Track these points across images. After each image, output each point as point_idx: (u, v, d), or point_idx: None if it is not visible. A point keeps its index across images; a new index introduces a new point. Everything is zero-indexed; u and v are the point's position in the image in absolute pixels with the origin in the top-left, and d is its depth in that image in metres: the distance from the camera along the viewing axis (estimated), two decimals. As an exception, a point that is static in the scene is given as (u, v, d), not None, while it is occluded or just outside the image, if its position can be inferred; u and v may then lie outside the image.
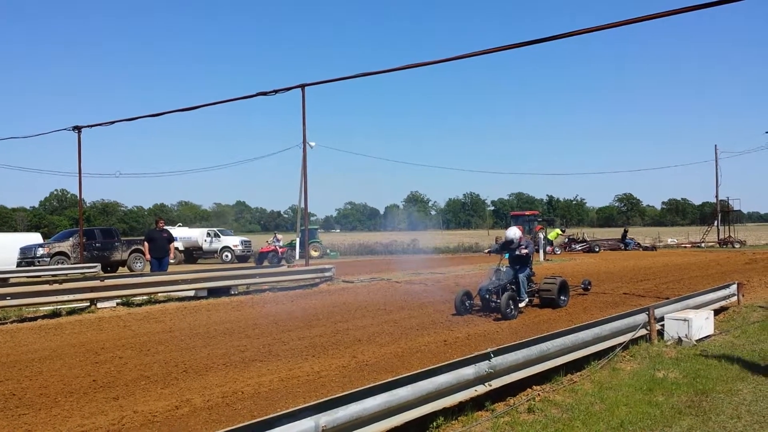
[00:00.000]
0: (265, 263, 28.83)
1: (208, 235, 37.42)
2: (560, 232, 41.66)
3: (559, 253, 36.70)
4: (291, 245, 39.49)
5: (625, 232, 43.16)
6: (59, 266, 24.07)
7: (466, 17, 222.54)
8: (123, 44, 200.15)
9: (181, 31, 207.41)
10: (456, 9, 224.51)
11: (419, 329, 10.06)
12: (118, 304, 13.63)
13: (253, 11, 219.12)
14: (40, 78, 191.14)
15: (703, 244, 44.11)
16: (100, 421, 5.53)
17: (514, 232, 12.13)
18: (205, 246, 36.87)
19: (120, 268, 27.78)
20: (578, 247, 38.89)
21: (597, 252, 37.61)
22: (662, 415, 5.46)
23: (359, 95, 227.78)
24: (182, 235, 35.88)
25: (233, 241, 37.64)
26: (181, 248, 34.67)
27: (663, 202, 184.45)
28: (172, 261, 17.82)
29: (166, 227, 18.01)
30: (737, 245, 40.67)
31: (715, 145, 48.61)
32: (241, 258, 36.34)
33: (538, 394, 6.13)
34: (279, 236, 33.45)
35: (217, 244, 36.91)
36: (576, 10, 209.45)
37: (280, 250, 31.70)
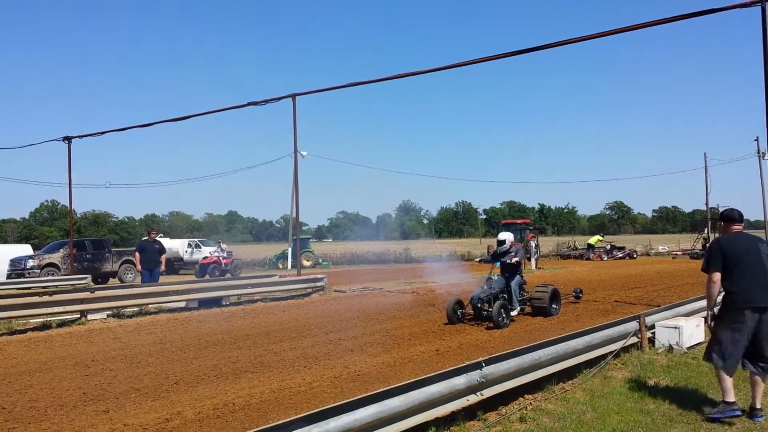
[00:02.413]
0: (207, 276, 26.80)
1: (189, 245, 36.99)
2: (600, 238, 41.76)
3: (605, 259, 37.16)
4: (283, 255, 39.41)
5: (706, 240, 43.05)
6: (49, 278, 23.95)
7: (457, 26, 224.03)
8: (113, 55, 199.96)
9: (171, 40, 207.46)
10: (447, 18, 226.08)
11: (411, 339, 10.06)
12: (108, 315, 13.56)
13: (245, 20, 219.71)
14: (30, 88, 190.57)
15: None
16: (90, 434, 5.50)
17: (505, 235, 12.30)
18: (186, 257, 36.49)
19: (111, 279, 27.63)
20: (619, 254, 39.23)
21: (635, 258, 38.52)
22: (654, 423, 5.48)
23: (351, 104, 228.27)
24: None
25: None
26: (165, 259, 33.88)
27: (653, 210, 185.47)
28: (163, 272, 17.71)
29: (157, 239, 17.91)
30: None
31: (705, 153, 48.93)
32: (239, 269, 35.99)
33: (530, 403, 6.14)
34: (224, 246, 31.30)
35: (198, 255, 36.48)
36: (566, 19, 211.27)
37: (223, 261, 28.92)
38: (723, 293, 5.81)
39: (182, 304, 15.10)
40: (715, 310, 5.85)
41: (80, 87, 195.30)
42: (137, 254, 17.09)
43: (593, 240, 40.47)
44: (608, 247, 40.20)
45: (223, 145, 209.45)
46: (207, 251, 36.07)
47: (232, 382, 7.30)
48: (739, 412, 5.51)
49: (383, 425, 4.65)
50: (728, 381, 5.55)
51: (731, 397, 5.54)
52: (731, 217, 5.98)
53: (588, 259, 37.86)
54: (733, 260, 5.67)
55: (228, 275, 27.41)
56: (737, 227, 5.92)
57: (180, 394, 6.79)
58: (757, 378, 5.60)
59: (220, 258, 29.05)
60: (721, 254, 5.74)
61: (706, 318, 6.10)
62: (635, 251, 40.28)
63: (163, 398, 6.66)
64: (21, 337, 11.40)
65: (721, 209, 49.82)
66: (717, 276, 5.72)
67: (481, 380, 5.56)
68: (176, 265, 36.54)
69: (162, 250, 16.96)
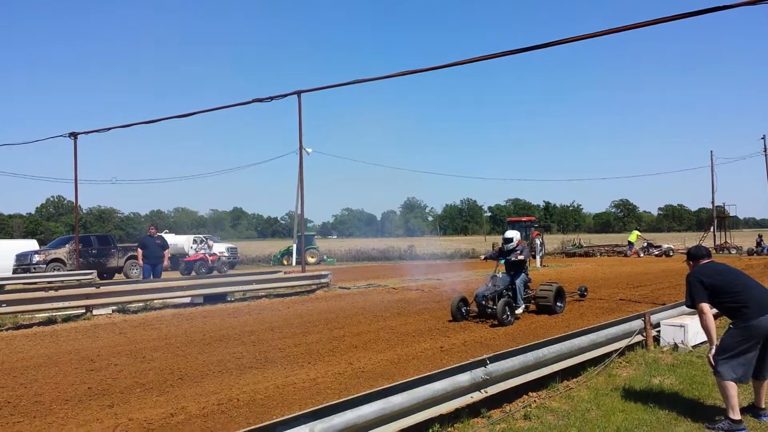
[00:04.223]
0: (193, 273, 26.36)
1: (194, 241, 37.06)
2: (639, 234, 41.42)
3: (642, 256, 36.84)
4: (287, 252, 39.45)
5: (760, 237, 42.54)
6: (55, 273, 24.04)
7: (463, 23, 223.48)
8: (118, 51, 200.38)
9: (177, 37, 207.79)
10: (452, 16, 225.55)
11: (415, 336, 10.05)
12: (113, 310, 13.61)
13: (252, 18, 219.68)
14: (37, 83, 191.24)
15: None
16: (95, 428, 5.52)
17: (512, 233, 12.19)
18: (191, 253, 36.56)
19: (116, 274, 27.72)
20: (655, 251, 38.76)
21: (671, 256, 37.69)
22: (658, 422, 5.46)
23: (356, 102, 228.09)
24: (168, 241, 35.01)
25: (219, 248, 37.17)
26: (168, 255, 33.56)
27: (659, 208, 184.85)
28: (167, 267, 17.76)
29: (159, 234, 17.99)
30: (733, 251, 40.69)
31: (711, 151, 49.06)
32: (228, 265, 35.94)
33: (534, 401, 6.13)
34: (210, 242, 30.45)
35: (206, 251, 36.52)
36: (574, 16, 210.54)
37: (210, 258, 28.21)
38: (732, 315, 5.47)
39: (187, 300, 15.13)
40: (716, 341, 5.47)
41: (86, 83, 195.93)
42: (139, 250, 17.21)
43: (633, 236, 39.85)
44: (645, 244, 39.77)
45: (229, 142, 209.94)
46: (212, 248, 36.02)
47: (236, 378, 7.31)
48: None
49: (387, 422, 4.64)
50: (735, 397, 5.24)
51: (737, 415, 5.23)
52: (699, 254, 5.79)
53: (626, 255, 37.53)
54: (725, 282, 5.46)
55: (215, 272, 26.98)
56: (705, 262, 5.72)
57: (184, 389, 6.81)
58: (764, 381, 5.50)
59: (206, 255, 28.47)
60: (702, 284, 5.45)
61: (709, 358, 5.47)
62: (672, 249, 39.71)
63: (168, 393, 6.67)
64: (26, 331, 11.45)
65: (727, 207, 49.29)
66: (706, 306, 5.40)
67: (486, 377, 5.56)
68: (181, 261, 36.54)
69: (164, 245, 17.06)
